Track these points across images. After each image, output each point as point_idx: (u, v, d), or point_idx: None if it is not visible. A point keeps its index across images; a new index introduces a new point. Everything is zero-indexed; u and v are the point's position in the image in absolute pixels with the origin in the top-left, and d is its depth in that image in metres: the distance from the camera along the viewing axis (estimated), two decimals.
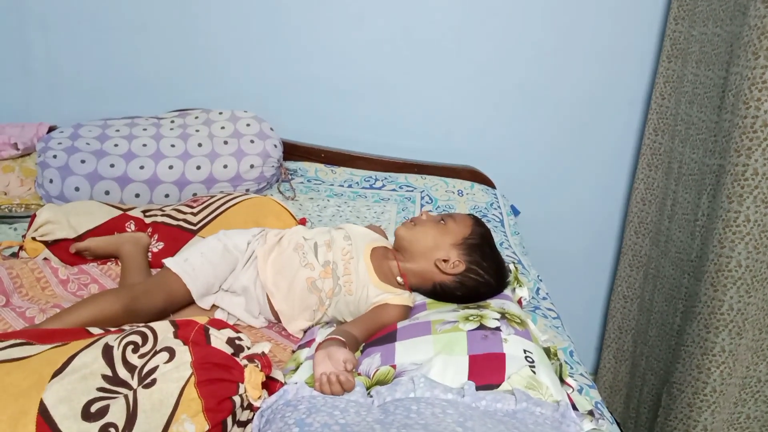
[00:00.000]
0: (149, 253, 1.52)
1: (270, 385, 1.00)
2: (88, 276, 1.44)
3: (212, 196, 1.70)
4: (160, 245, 1.53)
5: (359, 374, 1.08)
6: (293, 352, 1.22)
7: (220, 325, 1.00)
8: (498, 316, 1.17)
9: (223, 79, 2.21)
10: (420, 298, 1.34)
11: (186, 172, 1.86)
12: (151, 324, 0.97)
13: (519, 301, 1.37)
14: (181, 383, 0.88)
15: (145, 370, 0.89)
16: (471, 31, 2.15)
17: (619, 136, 2.27)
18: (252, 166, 1.93)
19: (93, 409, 0.84)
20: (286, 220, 1.63)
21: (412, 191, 2.11)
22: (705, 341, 1.77)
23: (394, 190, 2.11)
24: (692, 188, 1.92)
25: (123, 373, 0.89)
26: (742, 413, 1.87)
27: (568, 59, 2.17)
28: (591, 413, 1.07)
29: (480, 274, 1.29)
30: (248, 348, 0.99)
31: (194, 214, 1.61)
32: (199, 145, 1.91)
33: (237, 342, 0.98)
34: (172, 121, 1.99)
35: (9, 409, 0.83)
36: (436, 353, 1.08)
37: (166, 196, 1.85)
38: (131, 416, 0.84)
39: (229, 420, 0.90)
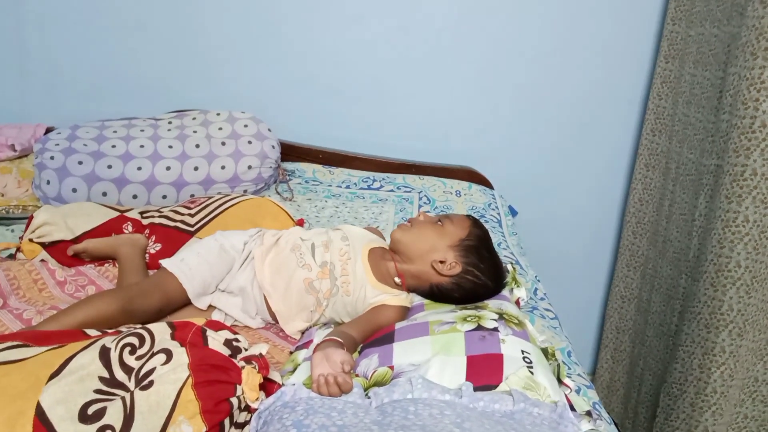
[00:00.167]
0: (147, 255, 1.52)
1: (267, 386, 1.00)
2: (85, 277, 1.44)
3: (210, 197, 1.70)
4: (158, 246, 1.53)
5: (357, 375, 1.08)
6: (291, 353, 1.22)
7: (218, 326, 0.99)
8: (496, 316, 1.17)
9: (220, 80, 2.21)
10: (418, 299, 1.34)
11: (184, 173, 1.85)
12: (148, 326, 0.97)
13: (517, 302, 1.37)
14: (178, 385, 0.88)
15: (143, 371, 0.89)
16: (468, 32, 2.15)
17: (617, 136, 2.27)
18: (250, 167, 1.93)
19: (90, 411, 0.84)
20: (283, 221, 1.63)
21: (409, 192, 2.11)
22: (705, 341, 1.77)
23: (391, 190, 2.11)
24: (690, 188, 1.92)
25: (120, 375, 0.89)
26: (740, 413, 1.87)
27: (565, 60, 2.17)
28: (589, 414, 1.07)
29: (477, 276, 1.29)
30: (245, 349, 0.99)
31: (192, 216, 1.61)
32: (197, 146, 1.90)
33: (234, 343, 0.98)
34: (170, 122, 1.99)
35: (6, 411, 0.83)
36: (433, 354, 1.07)
37: (164, 197, 1.85)
38: (128, 418, 0.84)
39: (227, 422, 0.90)
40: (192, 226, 1.58)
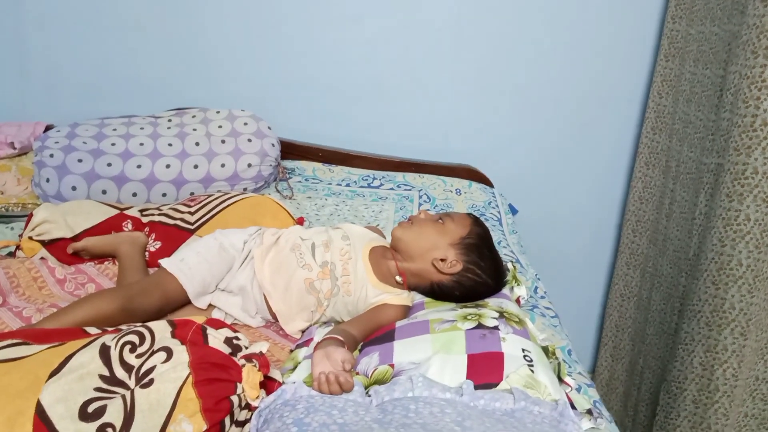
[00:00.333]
0: (146, 253, 1.52)
1: (268, 384, 1.00)
2: (85, 275, 1.44)
3: (210, 195, 1.70)
4: (158, 244, 1.53)
5: (357, 373, 1.08)
6: (291, 351, 1.22)
7: (218, 324, 0.99)
8: (496, 315, 1.17)
9: (220, 77, 2.21)
10: (418, 297, 1.34)
11: (183, 171, 1.85)
12: (149, 324, 0.97)
13: (517, 300, 1.37)
14: (178, 383, 0.87)
15: (143, 370, 0.89)
16: (468, 31, 2.15)
17: (617, 135, 2.27)
18: (249, 165, 1.93)
19: (90, 409, 0.84)
20: (283, 219, 1.63)
21: (410, 190, 2.11)
22: (707, 339, 1.77)
23: (392, 189, 2.11)
24: (690, 187, 1.92)
25: (120, 373, 0.89)
26: (741, 411, 1.87)
27: (565, 58, 2.17)
28: (589, 412, 1.07)
29: (477, 274, 1.29)
30: (246, 347, 0.99)
31: (191, 214, 1.61)
32: (197, 144, 1.90)
33: (235, 341, 0.98)
34: (170, 120, 1.98)
35: (5, 410, 0.83)
36: (434, 352, 1.07)
37: (164, 195, 1.84)
38: (128, 416, 0.84)
39: (227, 420, 0.90)
40: (192, 224, 1.58)
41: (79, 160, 1.78)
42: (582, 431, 0.97)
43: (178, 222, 1.58)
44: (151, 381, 0.87)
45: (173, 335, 0.94)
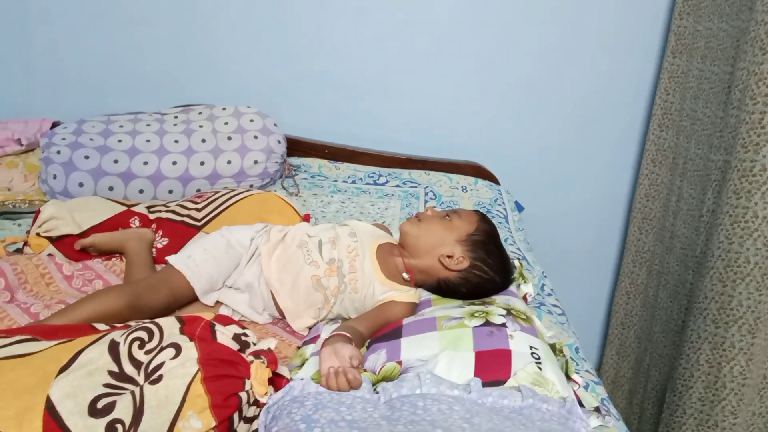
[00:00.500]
0: (154, 249, 1.52)
1: (276, 381, 1.00)
2: (92, 272, 1.44)
3: (216, 192, 1.70)
4: (165, 241, 1.53)
5: (365, 370, 1.08)
6: (298, 348, 1.22)
7: (226, 321, 0.99)
8: (504, 312, 1.17)
9: (226, 74, 2.21)
10: (425, 295, 1.34)
11: (190, 168, 1.85)
12: (157, 320, 0.97)
13: (524, 297, 1.37)
14: (187, 379, 0.87)
15: (152, 366, 0.89)
16: (475, 27, 2.14)
17: (624, 131, 2.27)
18: (256, 162, 1.93)
19: (99, 405, 0.84)
20: (290, 216, 1.63)
21: (415, 187, 2.11)
22: (714, 336, 1.77)
23: (397, 186, 2.11)
24: (697, 184, 1.91)
25: (129, 369, 0.89)
26: (750, 410, 1.86)
27: (572, 55, 2.16)
28: (597, 410, 1.07)
29: (484, 271, 1.29)
30: (254, 344, 0.99)
31: (198, 210, 1.61)
32: (203, 140, 1.90)
33: (243, 338, 0.98)
34: (176, 117, 1.98)
35: (15, 405, 0.83)
36: (441, 349, 1.07)
37: (170, 191, 1.85)
38: (138, 412, 0.84)
39: (236, 416, 0.90)
40: (199, 220, 1.58)
41: (86, 157, 1.78)
42: (590, 429, 0.96)
43: (185, 219, 1.59)
44: (160, 377, 0.87)
45: (182, 331, 0.94)
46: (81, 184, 1.77)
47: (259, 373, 0.94)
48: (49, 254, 1.50)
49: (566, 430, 0.93)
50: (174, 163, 1.84)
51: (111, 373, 0.88)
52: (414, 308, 1.28)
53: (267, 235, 1.40)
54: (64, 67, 2.20)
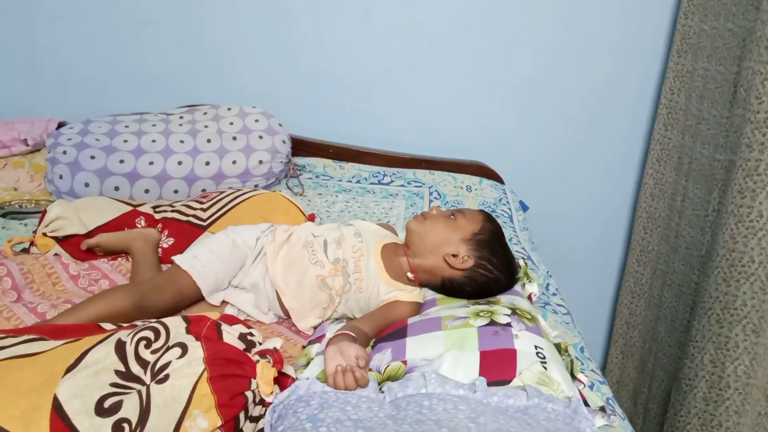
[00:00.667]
0: (159, 249, 1.52)
1: (281, 380, 1.00)
2: (98, 272, 1.45)
3: (221, 192, 1.70)
4: (171, 241, 1.54)
5: (370, 369, 1.08)
6: (303, 347, 1.22)
7: (232, 320, 1.00)
8: (509, 311, 1.17)
9: (231, 75, 2.21)
10: (430, 294, 1.34)
11: (195, 168, 1.86)
12: (164, 319, 0.97)
13: (529, 297, 1.37)
14: (193, 379, 0.88)
15: (158, 365, 0.89)
16: (479, 26, 2.14)
17: (629, 131, 2.26)
18: (260, 162, 1.93)
19: (106, 404, 0.84)
20: (295, 215, 1.63)
21: (420, 187, 2.11)
22: (718, 336, 1.76)
23: (402, 185, 2.11)
24: (702, 184, 1.91)
25: (136, 368, 0.89)
26: (756, 410, 1.86)
27: (576, 54, 2.16)
28: (603, 409, 1.07)
29: (489, 270, 1.29)
30: (260, 343, 0.99)
31: (204, 210, 1.62)
32: (208, 140, 1.91)
33: (249, 337, 0.98)
34: (181, 117, 1.99)
35: (22, 405, 0.84)
36: (446, 349, 1.07)
37: (176, 191, 1.85)
38: (144, 412, 0.85)
39: (242, 415, 0.91)
40: (204, 220, 1.58)
41: (92, 157, 1.79)
42: (595, 428, 0.96)
43: (191, 218, 1.59)
44: (167, 377, 0.88)
45: (188, 331, 0.94)
46: (87, 184, 1.78)
47: (265, 373, 0.94)
48: (56, 254, 1.50)
49: (571, 429, 0.93)
50: (179, 163, 1.85)
51: (118, 373, 0.88)
52: (418, 308, 1.28)
53: (272, 235, 1.40)
54: (69, 68, 2.21)
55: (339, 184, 2.09)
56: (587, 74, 2.18)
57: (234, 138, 1.93)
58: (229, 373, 0.91)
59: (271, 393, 0.96)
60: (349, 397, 0.95)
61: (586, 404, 1.06)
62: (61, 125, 2.07)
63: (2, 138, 1.97)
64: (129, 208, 1.63)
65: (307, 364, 1.11)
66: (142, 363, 0.90)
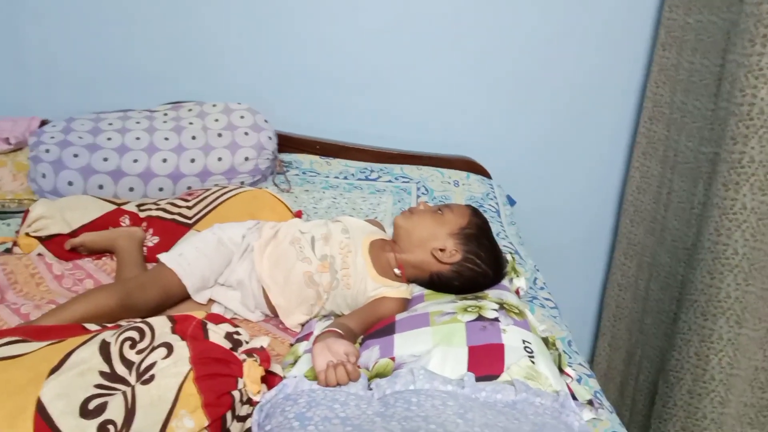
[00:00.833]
0: (144, 248, 1.51)
1: (269, 379, 1.00)
2: (83, 271, 1.44)
3: (207, 190, 1.69)
4: (156, 239, 1.52)
5: (359, 366, 1.08)
6: (291, 345, 1.22)
7: (218, 319, 0.99)
8: (496, 306, 1.17)
9: (216, 71, 2.19)
10: (418, 290, 1.34)
11: (180, 165, 1.84)
12: (149, 319, 0.97)
13: (517, 291, 1.37)
14: (179, 379, 0.87)
15: (143, 366, 0.88)
16: (465, 21, 2.13)
17: (614, 125, 2.27)
18: (246, 159, 1.92)
19: (91, 405, 0.84)
20: (281, 212, 1.63)
21: (407, 182, 2.10)
22: (702, 328, 1.78)
23: (389, 181, 2.10)
24: (688, 177, 1.92)
25: (121, 369, 0.88)
26: (741, 401, 1.87)
27: (562, 48, 2.16)
28: (590, 403, 1.07)
29: (477, 264, 1.29)
30: (246, 342, 0.99)
31: (189, 208, 1.60)
32: (193, 137, 1.89)
33: (235, 336, 0.97)
34: (166, 114, 1.97)
35: (6, 407, 0.83)
36: (435, 345, 1.07)
37: (161, 189, 1.84)
38: (130, 412, 0.84)
39: (229, 415, 0.90)
40: (190, 218, 1.57)
41: (75, 155, 1.77)
42: (583, 422, 0.97)
43: (176, 216, 1.58)
44: (152, 377, 0.87)
45: (173, 331, 0.94)
46: (70, 183, 1.76)
47: (251, 372, 0.94)
48: (39, 254, 1.49)
49: (559, 423, 0.93)
50: (164, 160, 1.83)
51: (102, 374, 0.87)
52: (406, 304, 1.28)
53: (259, 232, 1.39)
54: (54, 65, 2.18)
55: (326, 180, 2.08)
56: (573, 69, 2.18)
57: (219, 135, 1.92)
58: (216, 372, 0.90)
59: (259, 392, 0.95)
60: (337, 395, 0.94)
61: (574, 398, 1.06)
62: (43, 123, 2.04)
63: None
64: (113, 207, 1.61)
65: (295, 362, 1.10)
66: (127, 363, 0.89)
